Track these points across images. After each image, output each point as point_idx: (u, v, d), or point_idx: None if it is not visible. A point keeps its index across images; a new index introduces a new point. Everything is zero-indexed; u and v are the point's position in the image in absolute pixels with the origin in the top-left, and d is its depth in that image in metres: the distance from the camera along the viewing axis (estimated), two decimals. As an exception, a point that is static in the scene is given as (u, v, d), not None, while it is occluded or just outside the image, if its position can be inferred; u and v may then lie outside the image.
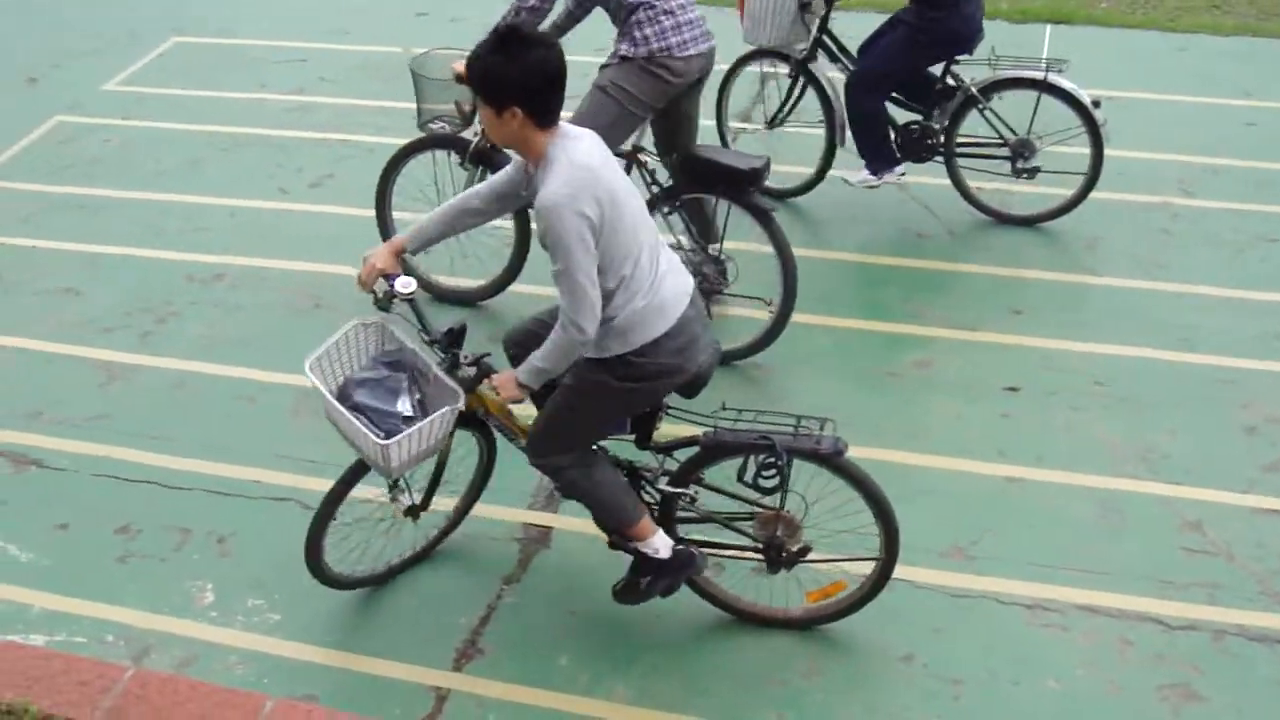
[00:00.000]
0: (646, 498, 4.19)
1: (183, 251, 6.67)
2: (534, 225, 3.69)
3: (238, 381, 5.64)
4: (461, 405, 3.90)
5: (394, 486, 4.23)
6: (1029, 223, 6.63)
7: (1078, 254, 6.41)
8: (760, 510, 4.11)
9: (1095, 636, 4.25)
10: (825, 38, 6.49)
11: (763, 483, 3.89)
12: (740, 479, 3.92)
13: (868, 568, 4.15)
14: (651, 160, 5.56)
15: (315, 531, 4.15)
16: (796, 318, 5.49)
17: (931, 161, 6.55)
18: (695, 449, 4.05)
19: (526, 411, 4.15)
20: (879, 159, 6.50)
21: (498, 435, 4.32)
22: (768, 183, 5.43)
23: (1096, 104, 6.17)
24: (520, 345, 4.05)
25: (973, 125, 6.46)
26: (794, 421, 3.93)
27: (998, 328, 5.85)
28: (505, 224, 5.76)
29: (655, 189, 5.48)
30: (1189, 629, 4.27)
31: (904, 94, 6.48)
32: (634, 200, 3.71)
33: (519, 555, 4.66)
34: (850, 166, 6.72)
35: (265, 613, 4.44)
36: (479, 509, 4.66)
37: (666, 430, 4.14)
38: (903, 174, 6.59)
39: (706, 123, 5.97)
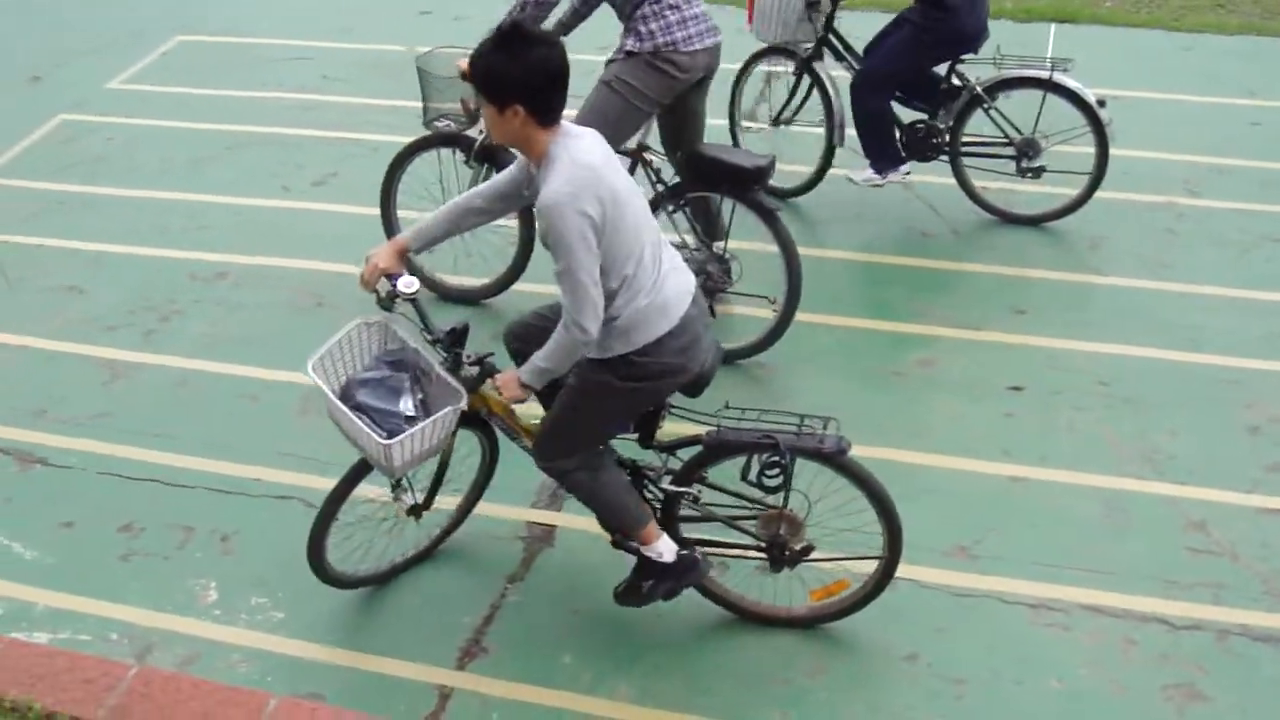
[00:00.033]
0: (649, 497, 4.18)
1: (186, 250, 6.68)
2: (537, 224, 3.68)
3: (241, 380, 5.64)
4: (464, 405, 3.90)
5: (396, 486, 4.23)
6: (1034, 222, 6.63)
7: (1082, 253, 6.41)
8: (763, 509, 4.11)
9: (1099, 636, 4.24)
10: (831, 36, 6.49)
11: (766, 482, 3.88)
12: (744, 478, 3.91)
13: (871, 566, 4.15)
14: (656, 158, 5.56)
15: (318, 531, 4.15)
16: (800, 316, 5.49)
17: (936, 161, 6.55)
18: (698, 448, 4.04)
19: (529, 411, 4.15)
20: (884, 158, 6.49)
21: (500, 435, 4.32)
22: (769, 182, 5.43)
23: (1102, 103, 6.16)
24: (522, 340, 4.05)
25: (978, 124, 6.46)
26: (797, 420, 3.92)
27: (1002, 327, 5.85)
28: (510, 222, 5.76)
29: (660, 187, 5.48)
30: (1193, 629, 4.26)
31: (909, 93, 6.48)
32: (636, 199, 3.70)
33: (522, 554, 4.66)
34: (854, 165, 6.72)
35: (268, 611, 4.44)
36: (483, 507, 4.65)
37: (669, 429, 4.13)
38: (907, 173, 6.58)
39: (714, 121, 5.96)
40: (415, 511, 4.34)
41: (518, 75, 3.49)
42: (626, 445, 4.15)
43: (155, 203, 7.17)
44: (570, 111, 4.00)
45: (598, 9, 5.50)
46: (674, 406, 4.05)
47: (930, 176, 6.88)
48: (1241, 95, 8.05)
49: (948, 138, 6.45)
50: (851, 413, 4.63)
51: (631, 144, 5.51)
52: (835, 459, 3.91)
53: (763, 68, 6.95)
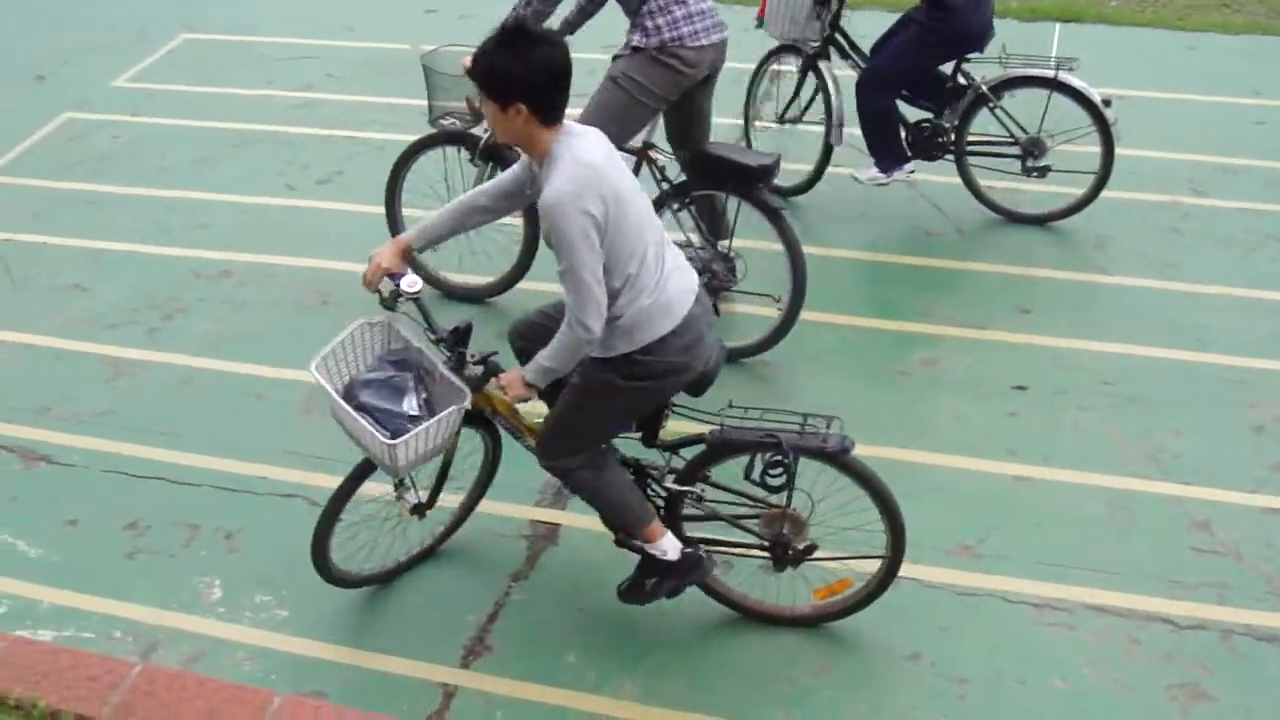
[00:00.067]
0: (653, 496, 4.18)
1: (190, 248, 6.68)
2: (541, 223, 3.68)
3: (245, 378, 5.65)
4: (468, 404, 3.90)
5: (399, 485, 4.23)
6: (1039, 221, 6.63)
7: (1087, 253, 6.40)
8: (766, 508, 4.11)
9: (1103, 636, 4.24)
10: (836, 35, 6.49)
11: (769, 481, 3.88)
12: (747, 477, 3.91)
13: (874, 566, 4.15)
14: (662, 157, 5.55)
15: (321, 531, 4.15)
16: (804, 315, 5.49)
17: (941, 160, 6.55)
18: (701, 447, 4.04)
19: (532, 410, 4.15)
20: (889, 157, 6.49)
21: (503, 433, 4.32)
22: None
23: (1107, 103, 6.16)
24: (526, 338, 4.05)
25: (983, 124, 6.46)
26: (800, 420, 3.92)
27: (1006, 326, 5.85)
28: (514, 221, 5.76)
29: (665, 185, 5.48)
30: (1197, 629, 4.26)
31: (915, 92, 6.47)
32: (639, 198, 3.70)
33: (527, 552, 4.66)
34: (860, 164, 6.71)
35: (273, 609, 4.44)
36: (487, 506, 4.66)
37: (673, 428, 4.13)
38: (912, 172, 6.58)
39: (720, 120, 5.96)
40: (419, 510, 4.34)
41: (520, 74, 3.49)
42: (630, 444, 4.15)
43: (160, 201, 7.17)
44: (575, 110, 4.00)
45: (604, 7, 5.50)
46: (677, 405, 4.05)
47: (935, 176, 6.88)
48: (1246, 95, 8.04)
49: (953, 137, 6.45)
50: (856, 412, 4.63)
51: (637, 142, 5.51)
52: (838, 458, 3.91)
53: (776, 67, 6.94)
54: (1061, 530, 4.68)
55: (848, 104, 6.48)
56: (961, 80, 6.37)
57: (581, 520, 4.66)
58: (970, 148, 6.52)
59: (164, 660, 4.22)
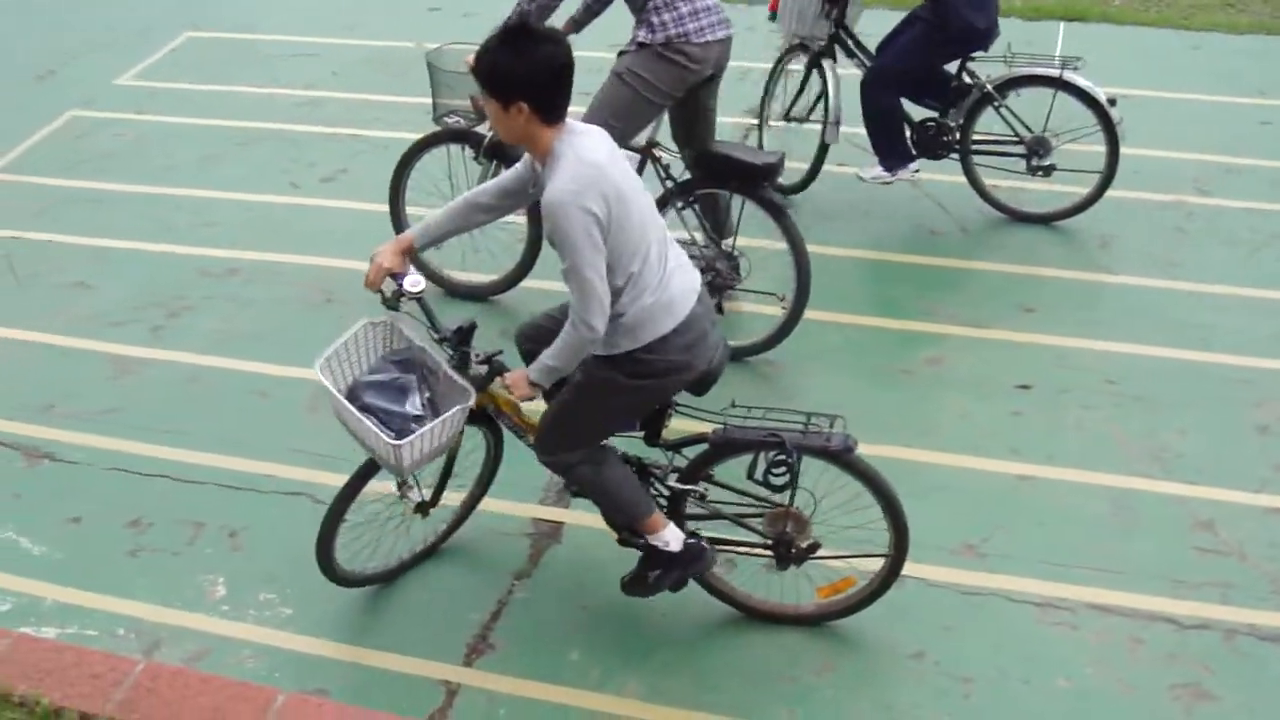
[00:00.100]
0: (656, 495, 4.18)
1: (195, 246, 6.69)
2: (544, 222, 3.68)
3: (251, 376, 5.65)
4: (472, 403, 3.90)
5: (403, 484, 4.23)
6: (1044, 220, 6.62)
7: (1092, 252, 6.40)
8: (769, 507, 4.11)
9: (1106, 635, 4.24)
10: (842, 33, 6.48)
11: (772, 480, 3.88)
12: (750, 476, 3.91)
13: (877, 564, 4.15)
14: (666, 155, 5.55)
15: (326, 531, 4.15)
16: (808, 314, 5.48)
17: (946, 159, 6.55)
18: (704, 446, 4.04)
19: (535, 408, 4.14)
20: (894, 156, 6.49)
21: (505, 431, 4.32)
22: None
23: (1112, 102, 6.16)
24: (534, 341, 4.05)
25: (988, 123, 6.45)
26: (803, 418, 3.92)
27: (1010, 325, 5.84)
28: (518, 219, 5.77)
29: (669, 184, 5.48)
30: (1201, 628, 4.25)
31: (920, 91, 6.47)
32: (641, 196, 3.70)
33: (530, 550, 4.66)
34: (864, 163, 6.71)
35: (277, 607, 4.44)
36: (490, 504, 4.66)
37: (676, 427, 4.13)
38: (917, 170, 6.58)
39: (724, 119, 5.95)
40: (422, 509, 4.34)
41: (522, 72, 3.49)
42: (633, 443, 4.15)
43: (164, 199, 7.18)
44: (578, 107, 4.00)
45: (610, 5, 5.50)
46: (680, 404, 4.05)
47: (939, 174, 6.87)
48: (1251, 94, 8.03)
49: (958, 136, 6.45)
50: (859, 411, 4.63)
51: (641, 140, 5.51)
52: (842, 457, 3.90)
53: (790, 66, 6.92)
54: (1065, 529, 4.68)
55: (846, 103, 6.48)
56: (966, 79, 6.37)
57: (585, 518, 4.66)
58: (975, 147, 6.52)
59: (167, 658, 4.22)
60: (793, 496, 3.98)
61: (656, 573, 4.14)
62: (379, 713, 3.94)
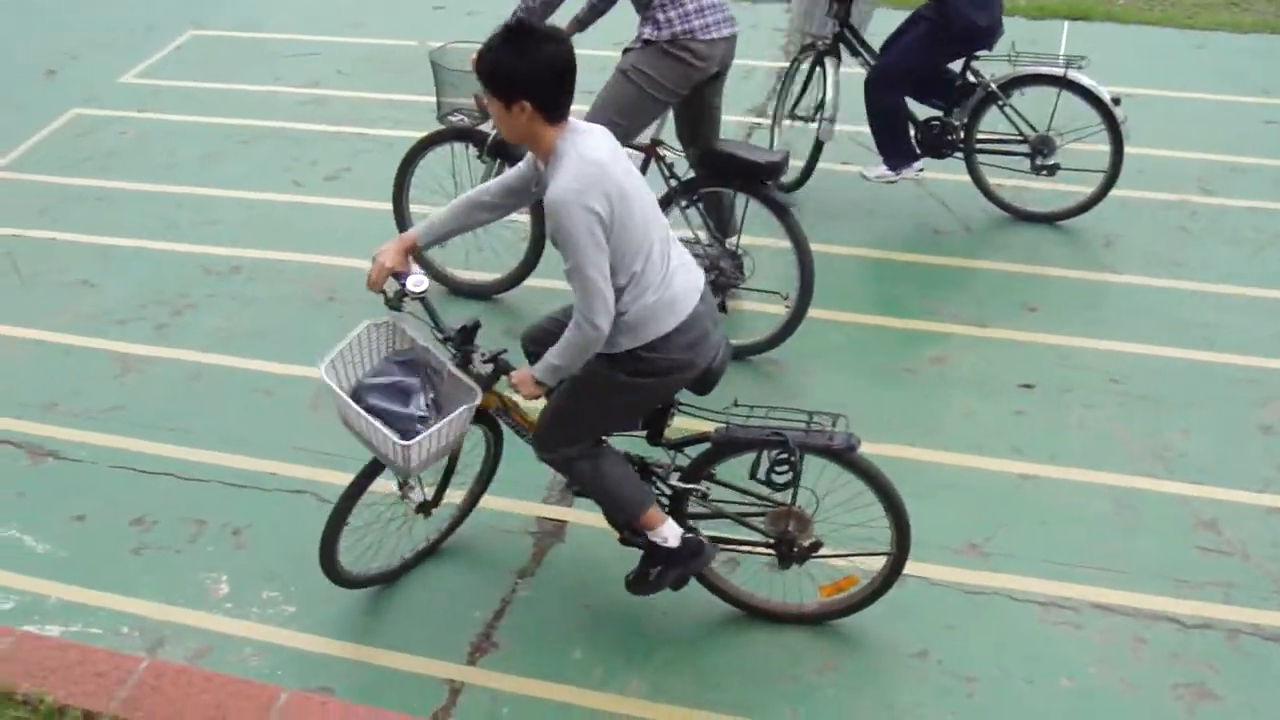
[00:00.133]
0: (658, 494, 4.18)
1: (198, 244, 6.69)
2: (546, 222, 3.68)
3: (254, 374, 5.65)
4: (478, 402, 3.90)
5: (404, 483, 4.23)
6: (1047, 220, 6.61)
7: (1096, 251, 6.39)
8: (771, 506, 4.11)
9: (1109, 635, 4.24)
10: (846, 32, 6.48)
11: (775, 479, 3.88)
12: (753, 476, 3.91)
13: (879, 562, 4.15)
14: (670, 154, 5.55)
15: (330, 534, 4.15)
16: (812, 313, 5.48)
17: (950, 158, 6.54)
18: (707, 445, 4.04)
19: (536, 407, 4.14)
20: (898, 155, 6.49)
21: (505, 428, 4.31)
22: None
23: (1117, 101, 6.15)
24: (538, 343, 4.04)
25: (993, 122, 6.45)
26: (806, 417, 3.92)
27: (1013, 324, 5.84)
28: (522, 217, 5.77)
29: (673, 182, 5.48)
30: (1204, 628, 4.25)
31: (924, 90, 6.46)
32: (644, 195, 3.70)
33: (533, 549, 4.66)
34: (868, 162, 6.71)
35: (280, 605, 4.45)
36: (494, 503, 4.66)
37: (678, 426, 4.13)
38: (921, 170, 6.57)
39: (728, 117, 5.94)
40: (424, 509, 4.34)
41: (524, 71, 3.49)
42: (635, 442, 4.15)
43: (167, 197, 7.18)
44: (582, 106, 4.00)
45: (615, 4, 5.50)
46: (683, 403, 4.05)
47: (942, 173, 6.86)
48: (1256, 94, 8.02)
49: (962, 135, 6.44)
50: (862, 409, 4.63)
51: (645, 138, 5.51)
52: (844, 455, 3.90)
53: (805, 65, 6.91)
54: (1068, 529, 4.68)
55: (845, 102, 6.47)
56: (971, 78, 6.36)
57: (588, 517, 4.66)
58: (979, 146, 6.51)
59: (171, 656, 4.23)
60: (795, 495, 3.98)
61: (657, 570, 4.14)
62: (382, 711, 3.95)
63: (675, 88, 5.32)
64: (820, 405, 4.08)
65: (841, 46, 6.52)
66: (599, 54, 6.49)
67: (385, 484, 4.24)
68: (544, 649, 4.24)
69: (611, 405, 3.95)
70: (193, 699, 3.88)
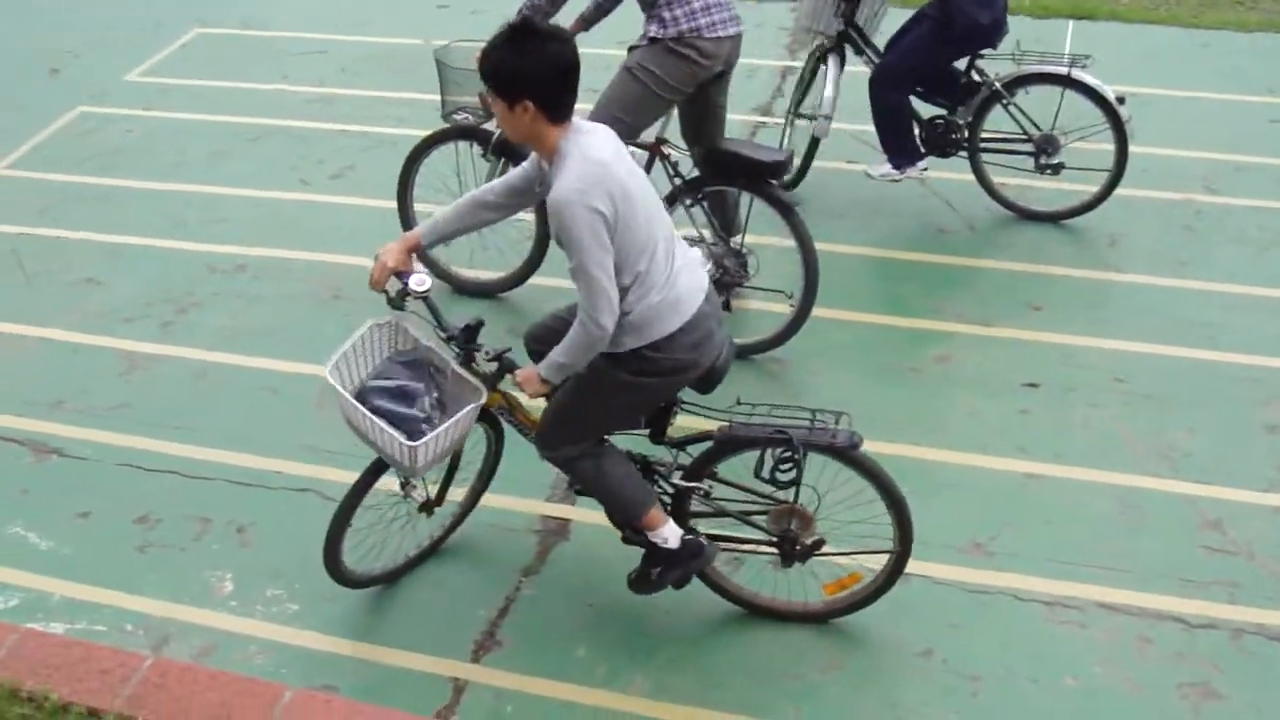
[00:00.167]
0: (660, 493, 4.18)
1: (204, 242, 6.70)
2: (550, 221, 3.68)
3: (260, 372, 5.66)
4: (484, 401, 3.90)
5: (406, 483, 4.23)
6: (1052, 219, 6.61)
7: (1100, 250, 6.38)
8: (774, 504, 4.11)
9: (1114, 634, 4.24)
10: (851, 30, 6.47)
11: (779, 477, 3.88)
12: (757, 474, 3.91)
13: (882, 560, 4.15)
14: (675, 153, 5.55)
15: (334, 533, 4.15)
16: (816, 312, 5.48)
17: (955, 157, 6.54)
18: (709, 443, 4.05)
19: (538, 405, 4.14)
20: (902, 153, 6.48)
21: (506, 426, 4.31)
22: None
23: (1121, 100, 6.14)
24: (542, 341, 4.05)
25: (997, 121, 6.44)
26: (809, 415, 3.92)
27: (1018, 323, 5.83)
28: (526, 216, 5.76)
29: (678, 181, 5.48)
30: (1209, 628, 4.25)
31: (929, 89, 6.46)
32: (648, 195, 3.70)
33: (537, 547, 4.66)
34: (873, 160, 6.70)
35: (284, 603, 4.45)
36: (498, 501, 4.67)
37: (681, 424, 4.13)
38: (925, 168, 6.57)
39: (733, 116, 5.94)
40: (427, 507, 4.35)
41: (527, 71, 3.49)
42: (638, 441, 4.16)
43: (174, 195, 7.19)
44: (585, 105, 3.99)
45: (621, 3, 5.49)
46: (686, 402, 4.05)
47: (947, 172, 6.86)
48: (1261, 93, 8.01)
49: (966, 134, 6.43)
50: (867, 408, 4.63)
51: (650, 137, 5.51)
52: (847, 453, 3.91)
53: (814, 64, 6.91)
54: (1072, 528, 4.68)
55: (848, 100, 6.46)
56: (975, 77, 6.35)
57: (592, 515, 4.66)
58: (984, 145, 6.51)
59: (175, 653, 4.23)
60: (797, 493, 3.98)
61: (658, 570, 4.14)
62: (387, 709, 3.94)
63: (680, 86, 5.32)
64: (824, 404, 4.08)
65: (846, 45, 6.52)
66: (604, 53, 6.49)
67: (389, 483, 4.24)
68: (548, 647, 4.24)
69: (614, 404, 3.96)
70: (197, 697, 3.88)
